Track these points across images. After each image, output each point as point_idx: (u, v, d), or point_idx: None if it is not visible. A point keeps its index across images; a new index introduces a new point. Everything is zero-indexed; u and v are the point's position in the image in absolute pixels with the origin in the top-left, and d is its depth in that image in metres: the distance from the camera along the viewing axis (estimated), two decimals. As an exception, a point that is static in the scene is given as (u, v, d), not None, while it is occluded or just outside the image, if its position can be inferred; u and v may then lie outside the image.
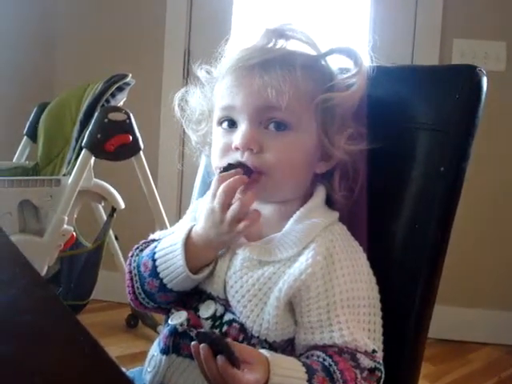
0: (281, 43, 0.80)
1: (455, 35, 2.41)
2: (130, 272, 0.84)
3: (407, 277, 0.82)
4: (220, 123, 0.82)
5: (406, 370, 0.83)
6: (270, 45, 0.80)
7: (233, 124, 0.80)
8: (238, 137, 0.78)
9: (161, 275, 0.79)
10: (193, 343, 0.69)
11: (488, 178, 2.36)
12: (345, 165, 0.81)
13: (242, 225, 0.75)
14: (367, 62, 0.81)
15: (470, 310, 2.48)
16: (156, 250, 0.82)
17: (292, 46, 0.81)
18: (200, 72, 0.87)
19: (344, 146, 0.79)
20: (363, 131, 0.80)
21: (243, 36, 0.87)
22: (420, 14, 2.43)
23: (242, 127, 0.78)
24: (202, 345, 0.67)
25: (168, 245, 0.81)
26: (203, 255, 0.79)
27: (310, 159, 0.81)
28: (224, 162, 0.79)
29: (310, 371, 0.69)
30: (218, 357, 0.66)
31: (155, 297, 0.82)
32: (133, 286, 0.83)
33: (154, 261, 0.80)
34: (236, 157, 0.78)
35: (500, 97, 2.21)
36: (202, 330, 0.77)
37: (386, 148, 0.81)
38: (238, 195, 0.76)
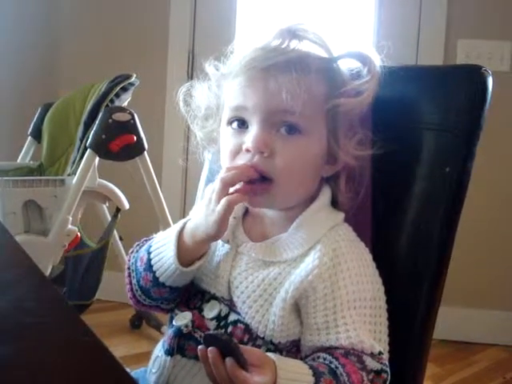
0: (294, 44, 0.79)
1: (460, 35, 2.41)
2: (129, 268, 0.84)
3: (412, 278, 0.81)
4: (230, 123, 0.81)
5: (411, 371, 0.83)
6: (284, 45, 0.78)
7: (243, 124, 0.79)
8: (249, 139, 0.77)
9: (154, 268, 0.79)
10: (200, 347, 0.68)
11: (492, 179, 2.35)
12: (351, 168, 0.80)
13: (220, 204, 0.73)
14: (379, 68, 0.80)
15: (475, 310, 2.48)
16: (152, 243, 0.82)
17: (305, 46, 0.80)
18: (209, 68, 0.86)
19: (352, 151, 0.78)
20: (371, 136, 0.80)
21: (254, 34, 0.86)
22: (424, 15, 2.43)
23: (254, 129, 0.77)
24: (210, 348, 0.67)
25: (163, 237, 0.81)
26: (193, 246, 0.77)
27: (318, 163, 0.80)
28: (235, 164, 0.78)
29: (317, 374, 0.69)
30: (227, 359, 0.65)
31: (150, 292, 0.82)
32: (130, 283, 0.84)
33: (149, 254, 0.81)
34: (246, 159, 0.77)
35: (505, 97, 2.20)
36: (210, 332, 0.76)
37: (391, 148, 0.81)
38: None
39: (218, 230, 0.74)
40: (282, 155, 0.76)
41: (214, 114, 0.86)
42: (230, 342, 0.67)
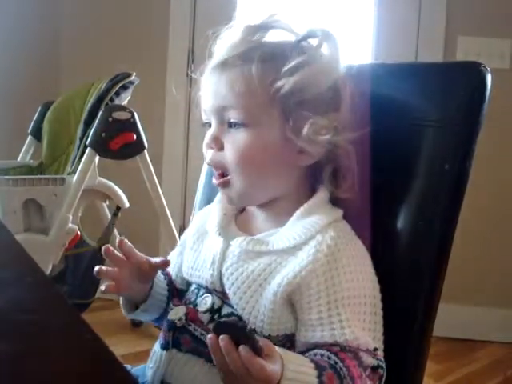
0: (255, 36, 0.81)
1: (459, 33, 2.41)
2: None
3: (412, 275, 0.81)
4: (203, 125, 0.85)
5: (410, 369, 0.83)
6: (236, 40, 0.81)
7: (208, 124, 0.84)
8: (206, 136, 0.82)
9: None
10: (210, 335, 0.66)
11: (491, 176, 2.35)
12: (334, 158, 0.79)
13: None
14: (331, 42, 0.79)
15: (475, 307, 2.48)
16: None
17: (263, 37, 0.82)
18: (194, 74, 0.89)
19: (310, 135, 0.77)
20: (328, 121, 0.77)
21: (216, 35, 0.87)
22: (424, 12, 2.43)
23: (211, 128, 0.82)
24: (221, 336, 0.64)
25: None
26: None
27: (278, 153, 0.79)
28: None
29: (319, 368, 0.68)
30: (241, 347, 0.63)
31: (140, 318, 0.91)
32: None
33: None
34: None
35: (504, 95, 2.20)
36: (222, 320, 0.76)
37: (390, 146, 0.81)
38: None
39: None
40: (229, 149, 0.79)
41: None
42: (245, 328, 0.65)
